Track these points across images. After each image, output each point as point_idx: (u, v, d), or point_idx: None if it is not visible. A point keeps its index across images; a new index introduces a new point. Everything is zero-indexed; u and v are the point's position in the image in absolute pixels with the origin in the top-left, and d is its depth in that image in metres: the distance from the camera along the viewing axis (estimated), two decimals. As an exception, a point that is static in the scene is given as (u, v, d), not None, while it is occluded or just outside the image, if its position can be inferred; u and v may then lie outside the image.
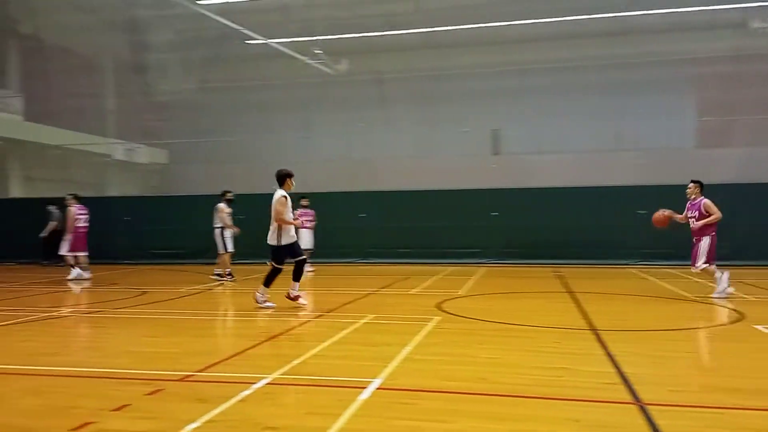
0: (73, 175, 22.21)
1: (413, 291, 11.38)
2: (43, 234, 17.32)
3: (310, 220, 15.53)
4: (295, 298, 9.22)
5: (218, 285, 12.77)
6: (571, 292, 10.89)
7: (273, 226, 9.01)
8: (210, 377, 5.20)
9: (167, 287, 12.43)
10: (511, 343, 6.59)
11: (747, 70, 19.13)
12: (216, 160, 21.60)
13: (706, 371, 5.57)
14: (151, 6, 21.54)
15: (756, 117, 18.59)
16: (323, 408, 4.32)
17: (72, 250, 13.62)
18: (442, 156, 21.12)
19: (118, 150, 23.62)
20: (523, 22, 20.72)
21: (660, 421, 3.97)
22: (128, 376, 5.25)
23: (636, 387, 4.74)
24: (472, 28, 21.46)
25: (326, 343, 6.50)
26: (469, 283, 12.51)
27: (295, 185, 9.25)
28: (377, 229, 18.09)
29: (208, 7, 20.46)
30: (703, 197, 9.90)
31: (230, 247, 13.39)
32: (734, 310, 8.72)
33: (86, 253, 13.80)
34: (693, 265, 9.91)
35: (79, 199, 13.82)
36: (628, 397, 4.52)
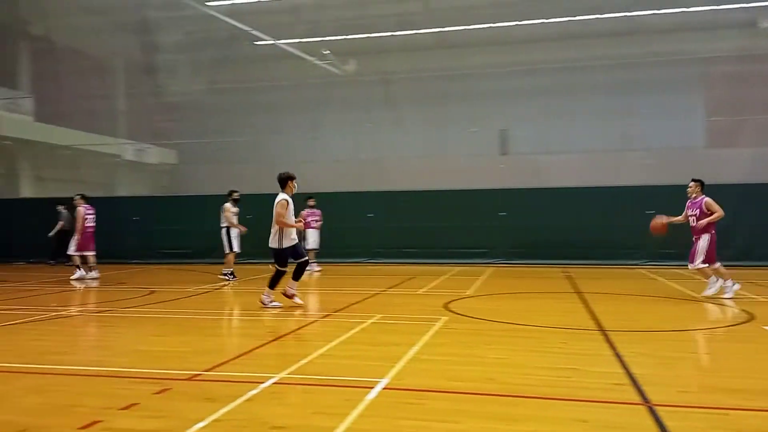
0: (83, 176, 22.36)
1: (421, 291, 11.37)
2: (52, 234, 17.42)
3: (317, 220, 15.56)
4: (291, 296, 9.30)
5: (225, 285, 12.81)
6: (579, 293, 10.85)
7: (274, 229, 9.03)
8: (217, 376, 5.22)
9: (175, 287, 12.49)
10: (518, 344, 6.57)
11: (755, 70, 19.01)
12: (225, 160, 21.67)
13: (714, 372, 5.54)
14: (161, 7, 21.65)
15: (765, 117, 18.47)
16: (330, 408, 4.32)
17: (80, 249, 13.69)
18: (450, 156, 21.08)
19: (127, 150, 23.76)
20: (531, 22, 20.67)
21: (669, 422, 3.94)
22: (136, 375, 5.28)
23: (644, 388, 4.71)
24: (480, 28, 21.42)
25: (333, 343, 6.50)
26: (477, 284, 12.49)
27: (297, 187, 9.26)
28: (385, 229, 18.09)
29: (217, 8, 20.55)
30: (704, 196, 9.84)
31: (236, 247, 13.41)
32: (743, 310, 8.66)
33: (94, 253, 13.87)
34: (691, 262, 9.85)
35: (87, 199, 13.89)
36: (636, 398, 4.50)
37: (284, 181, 9.16)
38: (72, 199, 14.16)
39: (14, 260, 18.93)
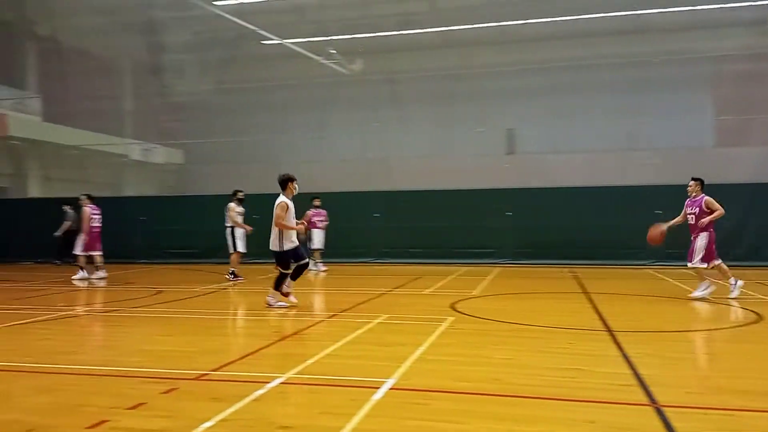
0: (91, 176, 22.45)
1: (427, 291, 11.36)
2: (58, 233, 17.51)
3: (322, 220, 15.57)
4: (287, 295, 9.33)
5: (232, 284, 12.84)
6: (586, 293, 10.82)
7: (274, 232, 9.04)
8: (224, 376, 5.23)
9: (182, 286, 12.52)
10: (525, 344, 6.56)
11: (765, 69, 18.90)
12: (231, 160, 21.73)
13: (722, 373, 5.50)
14: (167, 7, 21.71)
15: (774, 116, 18.38)
16: (336, 408, 4.32)
17: (86, 249, 13.74)
18: (456, 156, 21.06)
19: (134, 150, 23.85)
20: (538, 21, 20.63)
21: (676, 423, 3.93)
22: (144, 375, 5.30)
23: (652, 388, 4.69)
24: (486, 27, 21.41)
25: (340, 343, 6.51)
26: (483, 284, 12.47)
27: (298, 189, 9.26)
28: (391, 229, 18.07)
29: (223, 8, 20.61)
30: (704, 194, 9.81)
31: (240, 247, 13.40)
32: (751, 311, 8.61)
33: (101, 253, 13.91)
34: (689, 261, 9.82)
35: (93, 199, 13.94)
36: (643, 399, 4.48)
37: (284, 182, 9.17)
38: (78, 199, 14.21)
39: (22, 260, 19.03)
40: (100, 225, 13.90)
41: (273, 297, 9.23)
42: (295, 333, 7.27)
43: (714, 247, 9.66)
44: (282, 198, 9.06)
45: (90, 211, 13.71)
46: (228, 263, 13.72)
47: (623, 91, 20.00)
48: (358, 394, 4.58)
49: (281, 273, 9.14)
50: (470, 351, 6.22)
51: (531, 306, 9.69)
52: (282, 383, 4.93)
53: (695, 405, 4.40)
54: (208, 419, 4.03)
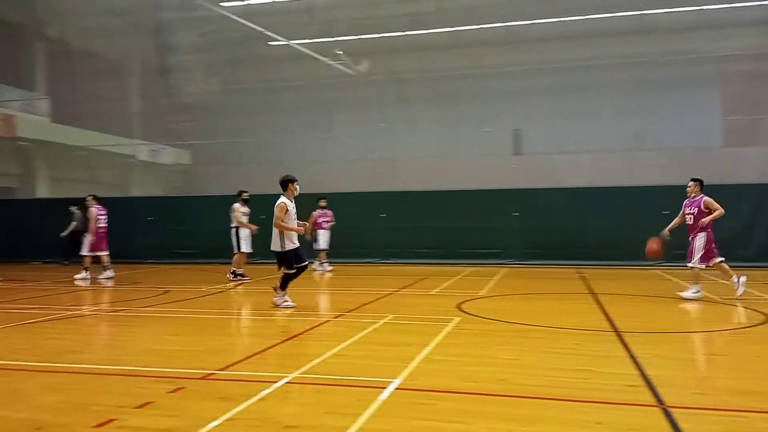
0: (99, 176, 22.56)
1: (433, 291, 11.36)
2: (64, 234, 17.60)
3: (328, 221, 15.59)
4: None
5: (239, 284, 12.87)
6: (593, 294, 10.79)
7: (275, 232, 9.07)
8: (231, 376, 5.24)
9: (189, 286, 12.56)
10: (531, 345, 6.55)
11: (773, 68, 18.83)
12: (238, 160, 21.80)
13: (730, 374, 5.47)
14: (175, 9, 21.81)
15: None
16: (343, 407, 4.33)
17: (93, 250, 13.79)
18: (462, 156, 21.05)
19: (142, 151, 23.97)
20: (545, 21, 20.60)
21: (683, 425, 3.91)
22: (151, 374, 5.33)
23: (659, 389, 4.68)
24: (492, 27, 21.40)
25: (346, 343, 6.52)
26: (490, 284, 12.45)
27: (299, 190, 9.28)
28: (397, 230, 18.07)
29: (230, 9, 20.67)
30: (703, 195, 9.78)
31: (244, 248, 13.42)
32: (759, 312, 8.56)
33: (107, 253, 13.97)
34: (688, 261, 9.80)
35: (99, 200, 14.00)
36: (651, 400, 4.46)
37: (285, 183, 9.21)
38: (84, 199, 14.28)
39: (30, 260, 19.14)
40: (106, 225, 13.96)
41: (280, 297, 9.25)
42: (302, 333, 7.28)
43: (713, 246, 9.64)
44: (282, 199, 9.09)
45: (96, 211, 13.77)
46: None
47: (630, 91, 19.95)
48: (364, 394, 4.59)
49: (286, 273, 9.16)
50: (476, 351, 6.21)
51: (537, 306, 9.67)
52: (288, 383, 4.94)
53: (703, 406, 4.38)
54: (214, 418, 4.05)
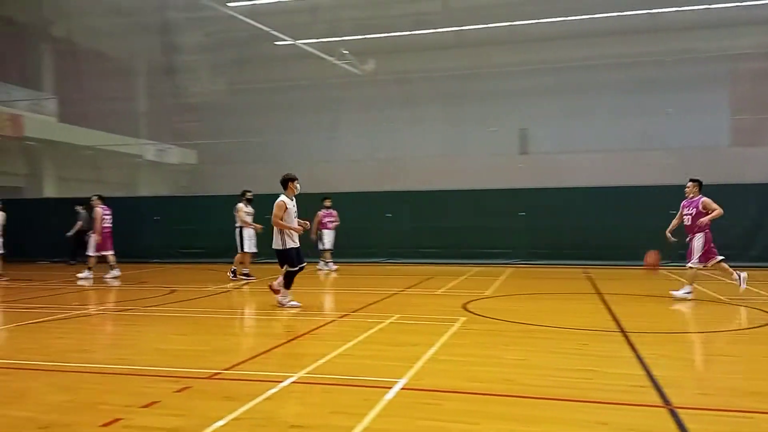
0: (105, 176, 22.67)
1: (439, 291, 11.35)
2: (70, 234, 17.68)
3: (333, 221, 15.61)
4: (276, 292, 9.40)
5: (245, 284, 12.90)
6: (599, 294, 10.76)
7: (276, 231, 9.12)
8: (237, 375, 5.26)
9: (195, 286, 12.59)
10: (537, 345, 6.53)
11: (782, 67, 18.73)
12: (244, 160, 21.84)
13: (737, 374, 5.45)
14: (181, 9, 21.86)
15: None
16: (348, 407, 4.33)
17: (99, 250, 13.85)
18: (468, 156, 21.01)
19: (149, 151, 24.04)
20: (551, 20, 20.54)
21: (690, 425, 3.90)
22: (157, 374, 5.35)
23: (666, 390, 4.66)
24: (498, 26, 21.36)
25: (351, 343, 6.52)
26: (496, 284, 12.43)
27: (300, 189, 9.30)
28: (403, 229, 18.06)
29: (237, 9, 20.70)
30: (701, 195, 9.77)
31: (247, 247, 13.44)
32: (765, 312, 8.52)
33: (113, 252, 14.02)
34: (688, 261, 9.78)
35: (104, 200, 14.05)
36: (657, 401, 4.45)
37: (285, 182, 9.26)
38: (90, 199, 14.34)
39: (37, 259, 19.23)
40: (111, 225, 14.01)
41: (285, 296, 9.26)
42: (307, 333, 7.29)
43: (712, 246, 9.63)
44: (282, 197, 9.13)
45: (102, 211, 13.82)
46: (242, 263, 13.77)
47: (638, 91, 19.87)
48: (370, 394, 4.59)
49: (288, 271, 9.18)
50: (482, 351, 6.21)
51: (543, 307, 9.65)
52: (294, 382, 4.95)
53: (709, 407, 4.36)
54: (220, 418, 4.06)
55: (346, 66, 21.57)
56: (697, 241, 9.61)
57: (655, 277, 13.76)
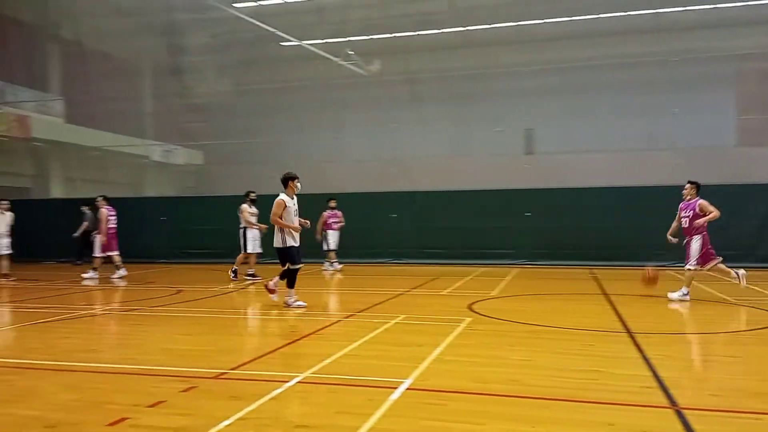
0: (112, 176, 22.75)
1: (444, 292, 11.34)
2: (77, 234, 17.76)
3: (337, 222, 15.63)
4: (272, 291, 9.45)
5: (251, 284, 12.92)
6: (605, 294, 10.73)
7: (276, 229, 9.18)
8: (243, 375, 5.27)
9: (201, 286, 12.63)
10: (543, 345, 6.52)
11: (789, 67, 18.64)
12: (250, 161, 21.88)
13: (744, 375, 5.42)
14: (187, 10, 21.92)
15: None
16: (354, 407, 4.33)
17: (104, 250, 13.91)
18: (474, 156, 20.99)
19: (155, 151, 24.13)
20: (557, 20, 20.51)
21: (697, 426, 3.88)
22: (164, 373, 5.36)
23: (672, 391, 4.65)
24: (505, 27, 21.33)
25: (357, 343, 6.52)
26: (501, 285, 12.41)
27: (300, 188, 9.33)
28: (408, 230, 18.06)
29: (242, 10, 20.74)
30: (698, 198, 9.75)
31: (250, 248, 13.48)
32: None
33: (118, 252, 14.07)
34: (686, 263, 9.76)
35: (109, 200, 14.11)
36: (664, 401, 4.43)
37: (286, 180, 9.29)
38: (94, 200, 14.40)
39: (44, 260, 19.32)
40: (116, 225, 14.07)
41: (290, 296, 9.28)
42: (313, 333, 7.30)
43: (710, 248, 9.62)
44: (281, 196, 9.17)
45: (107, 212, 13.87)
46: (246, 264, 13.81)
47: (643, 91, 19.80)
48: (375, 394, 4.59)
49: (290, 269, 9.19)
50: (488, 352, 6.20)
51: (549, 307, 9.64)
52: (299, 382, 4.96)
53: (716, 408, 4.34)
54: (226, 418, 4.07)
55: (352, 66, 21.58)
56: (695, 244, 9.61)
57: (661, 279, 13.69)
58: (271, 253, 14.19)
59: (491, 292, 11.19)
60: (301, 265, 9.35)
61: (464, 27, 21.35)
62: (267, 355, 6.13)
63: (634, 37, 19.96)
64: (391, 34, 22.10)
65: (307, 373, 5.21)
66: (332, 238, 15.58)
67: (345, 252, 16.17)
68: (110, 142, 22.31)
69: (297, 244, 9.24)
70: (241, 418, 4.09)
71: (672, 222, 10.16)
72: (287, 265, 9.19)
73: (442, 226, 17.83)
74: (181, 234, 19.33)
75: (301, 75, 22.42)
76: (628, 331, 7.10)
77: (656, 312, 9.04)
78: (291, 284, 9.27)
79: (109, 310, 9.83)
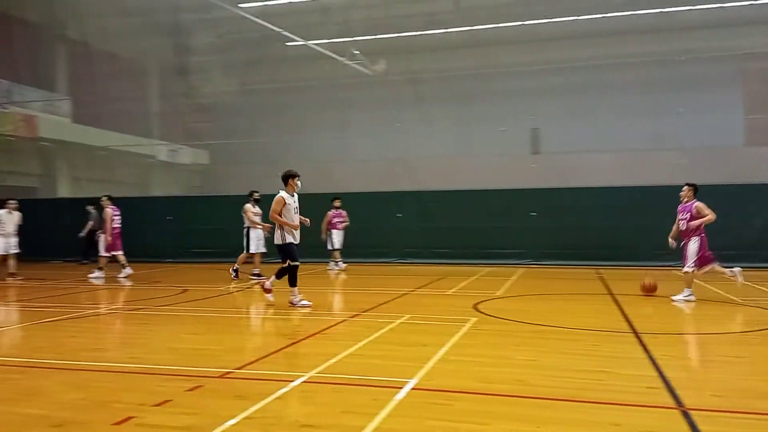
0: (119, 176, 22.84)
1: (450, 291, 11.33)
2: (82, 234, 17.83)
3: (342, 221, 15.64)
4: (268, 291, 9.49)
5: (256, 284, 12.93)
6: (611, 294, 10.70)
7: (276, 226, 9.22)
8: (248, 374, 5.28)
9: (208, 285, 12.66)
10: (548, 346, 6.51)
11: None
12: (256, 160, 21.92)
13: (751, 376, 5.40)
14: (193, 10, 21.99)
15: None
16: (359, 407, 4.34)
17: (109, 250, 13.95)
18: (479, 155, 20.97)
19: (161, 151, 24.21)
20: (562, 19, 20.46)
21: (703, 427, 3.87)
22: (170, 372, 5.38)
23: (678, 391, 4.63)
24: (510, 26, 21.30)
25: (362, 343, 6.53)
26: (507, 285, 12.39)
27: (300, 186, 9.36)
28: (413, 229, 18.05)
29: (248, 10, 20.78)
30: (695, 200, 9.75)
31: (253, 248, 13.50)
32: (783, 314, 8.44)
33: (122, 252, 14.12)
34: (684, 265, 9.75)
35: (113, 200, 14.15)
36: (670, 402, 4.42)
37: (286, 178, 9.34)
38: (99, 199, 14.45)
39: (51, 259, 19.41)
40: (120, 225, 14.11)
41: (295, 296, 9.29)
42: (318, 332, 7.30)
43: (707, 251, 9.61)
44: (281, 193, 9.20)
45: (111, 212, 13.91)
46: (251, 263, 13.85)
47: (650, 90, 19.75)
48: (380, 394, 4.60)
49: (290, 266, 9.20)
50: (493, 352, 6.19)
51: (555, 307, 9.62)
52: (305, 382, 4.97)
53: (723, 408, 4.33)
54: (232, 417, 4.08)
55: (357, 66, 21.60)
56: (692, 245, 9.63)
57: (668, 279, 13.66)
58: (275, 252, 14.30)
59: (496, 292, 11.18)
60: (299, 264, 9.35)
61: (469, 27, 21.33)
62: (272, 354, 6.15)
63: (639, 37, 19.90)
64: (396, 33, 22.10)
65: (313, 373, 5.22)
66: (337, 238, 15.60)
67: (350, 252, 16.18)
68: (117, 141, 22.40)
69: (297, 242, 9.26)
70: (246, 418, 4.10)
71: (674, 224, 10.13)
72: (287, 262, 9.20)
73: (447, 225, 17.81)
74: (187, 233, 19.38)
75: (306, 75, 22.45)
76: (634, 332, 7.08)
77: (662, 312, 9.01)
78: (293, 282, 9.27)
79: (116, 309, 9.87)
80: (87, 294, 11.68)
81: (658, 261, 16.21)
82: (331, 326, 7.76)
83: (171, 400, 4.48)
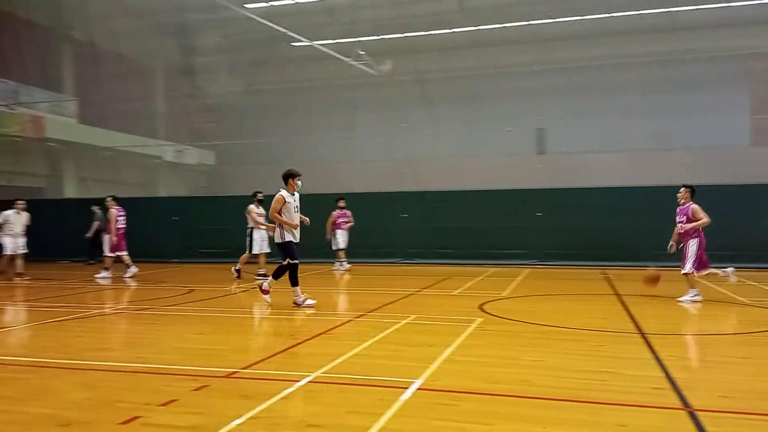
0: (125, 176, 22.91)
1: (455, 292, 11.32)
2: (89, 235, 17.89)
3: (346, 221, 15.66)
4: (265, 292, 9.50)
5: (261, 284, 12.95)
6: (617, 295, 10.67)
7: (277, 224, 9.24)
8: (254, 374, 5.29)
9: (214, 285, 12.69)
10: (554, 346, 6.49)
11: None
12: (262, 161, 21.95)
13: (757, 377, 5.37)
14: (199, 10, 22.03)
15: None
16: (364, 407, 4.34)
17: (114, 250, 13.99)
18: (485, 156, 20.94)
19: (167, 152, 24.28)
20: (567, 19, 20.42)
21: (710, 428, 3.86)
22: (176, 372, 5.39)
23: (685, 392, 4.62)
24: (515, 26, 21.27)
25: (368, 343, 6.53)
26: (513, 285, 12.37)
27: (301, 185, 9.37)
28: (419, 230, 18.05)
29: (254, 10, 20.83)
30: (692, 202, 9.73)
31: (256, 249, 13.53)
32: (790, 314, 8.40)
33: (126, 252, 14.16)
34: (683, 266, 9.73)
35: (118, 200, 14.20)
36: (676, 403, 4.41)
37: (286, 178, 9.36)
38: (104, 200, 14.50)
39: (58, 259, 19.48)
40: (125, 225, 14.15)
41: (298, 295, 9.30)
42: (323, 332, 7.31)
43: (704, 254, 9.62)
44: (281, 192, 9.22)
45: (116, 212, 13.95)
46: (255, 263, 13.87)
47: (656, 90, 19.69)
48: (386, 394, 4.60)
49: (290, 264, 9.20)
50: (499, 352, 6.19)
51: (561, 308, 9.60)
52: (310, 382, 4.97)
53: (730, 409, 4.31)
54: (238, 416, 4.09)
55: (363, 66, 21.60)
56: (691, 247, 9.65)
57: (673, 279, 13.60)
58: (276, 252, 14.32)
59: (502, 292, 11.16)
60: (297, 263, 9.35)
61: (475, 27, 21.32)
62: (278, 354, 6.15)
63: (646, 37, 19.84)
64: (401, 34, 22.10)
65: (318, 373, 5.22)
66: (341, 238, 15.62)
67: (355, 252, 16.19)
68: (123, 142, 22.48)
69: (297, 241, 9.27)
70: (252, 417, 4.11)
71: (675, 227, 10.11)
72: (287, 260, 9.21)
73: (453, 226, 17.79)
74: (193, 234, 19.43)
75: (312, 75, 22.47)
76: (641, 332, 7.06)
77: (669, 313, 8.98)
78: (294, 282, 9.28)
79: (122, 309, 9.90)
80: (94, 294, 11.73)
81: (664, 261, 16.16)
82: (337, 326, 7.76)
83: (177, 400, 4.50)
